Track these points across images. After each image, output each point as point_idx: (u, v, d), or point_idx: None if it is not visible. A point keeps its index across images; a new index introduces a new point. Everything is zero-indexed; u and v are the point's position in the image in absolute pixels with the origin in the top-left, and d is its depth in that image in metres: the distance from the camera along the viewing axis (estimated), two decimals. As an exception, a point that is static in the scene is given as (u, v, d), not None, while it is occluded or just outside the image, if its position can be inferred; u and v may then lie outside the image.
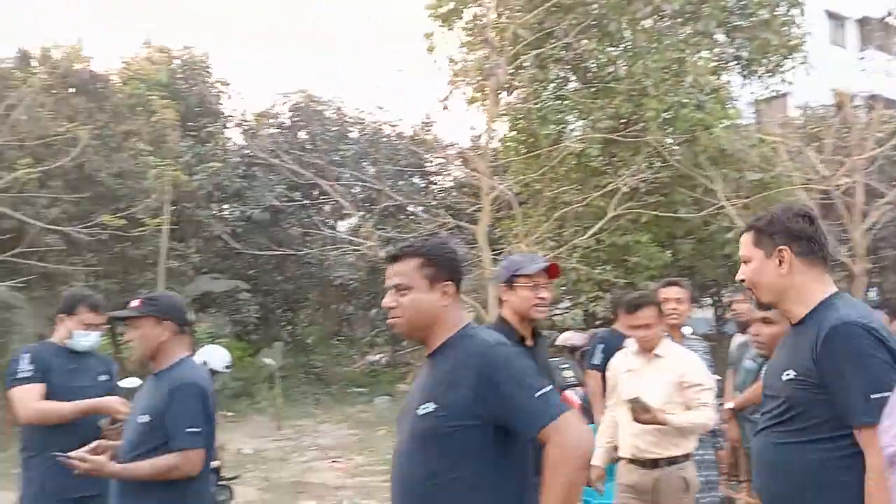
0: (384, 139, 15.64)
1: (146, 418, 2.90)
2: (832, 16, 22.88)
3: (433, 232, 10.30)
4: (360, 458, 9.18)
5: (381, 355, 18.87)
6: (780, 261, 2.02)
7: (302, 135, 15.30)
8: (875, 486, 1.81)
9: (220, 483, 6.34)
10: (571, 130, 11.97)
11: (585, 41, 10.75)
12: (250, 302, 14.09)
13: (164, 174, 11.06)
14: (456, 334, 2.05)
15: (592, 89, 11.46)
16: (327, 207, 14.74)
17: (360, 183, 13.71)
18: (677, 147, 11.25)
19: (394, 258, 2.10)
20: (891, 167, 12.02)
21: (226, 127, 14.84)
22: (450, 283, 2.08)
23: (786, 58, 12.33)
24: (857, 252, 10.79)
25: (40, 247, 9.50)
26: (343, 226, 15.42)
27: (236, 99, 15.24)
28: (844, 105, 12.09)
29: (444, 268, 2.08)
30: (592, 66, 11.85)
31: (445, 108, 7.96)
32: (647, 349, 3.65)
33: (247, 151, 14.62)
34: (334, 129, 15.25)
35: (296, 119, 15.59)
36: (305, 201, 13.50)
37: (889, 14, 15.44)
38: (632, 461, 3.53)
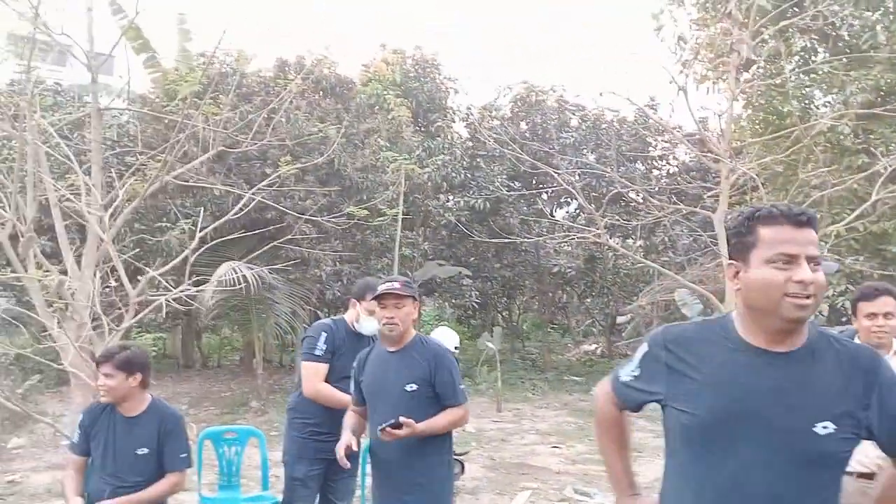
0: (605, 125, 15.38)
1: (414, 387, 3.27)
2: None
3: (659, 219, 9.94)
4: (580, 446, 9.16)
5: (597, 345, 18.65)
6: None
7: (523, 125, 15.53)
8: None
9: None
10: (818, 107, 10.87)
11: (837, 7, 9.66)
12: (471, 288, 14.63)
13: (400, 168, 11.88)
14: (811, 331, 1.71)
15: (845, 60, 10.28)
16: (545, 196, 14.84)
17: (580, 170, 13.62)
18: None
19: (807, 223, 1.68)
20: None
21: (452, 121, 15.52)
22: None
23: None
24: None
25: (296, 235, 10.55)
26: (560, 214, 15.45)
27: (462, 94, 15.81)
28: None
29: None
30: (845, 34, 10.64)
31: (681, 89, 7.59)
32: (879, 345, 3.22)
33: (471, 144, 15.16)
34: (555, 117, 15.28)
35: (517, 110, 15.87)
36: (525, 191, 13.72)
37: None
38: (864, 476, 2.95)
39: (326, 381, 4.04)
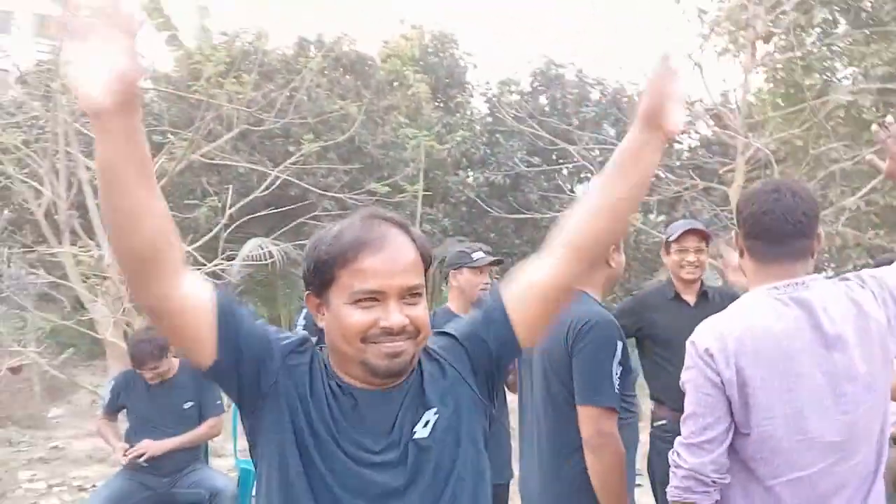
0: (625, 99, 15.34)
1: None
2: None
3: (678, 194, 9.98)
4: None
5: (618, 319, 18.66)
6: None
7: (542, 100, 15.54)
8: None
9: None
10: (840, 80, 10.78)
11: (860, -22, 9.55)
12: (491, 265, 14.72)
13: (420, 144, 12.03)
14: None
15: (867, 32, 10.17)
16: (565, 171, 14.87)
17: (600, 146, 13.63)
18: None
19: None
20: None
21: (471, 97, 15.58)
22: None
23: None
24: None
25: (320, 212, 10.76)
26: (581, 190, 15.48)
27: (481, 70, 15.89)
28: None
29: None
30: (867, 5, 10.52)
31: (696, 64, 7.61)
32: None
33: (490, 119, 15.22)
34: (574, 91, 15.27)
35: (536, 85, 15.87)
36: (545, 166, 13.76)
37: None
38: None
39: None
